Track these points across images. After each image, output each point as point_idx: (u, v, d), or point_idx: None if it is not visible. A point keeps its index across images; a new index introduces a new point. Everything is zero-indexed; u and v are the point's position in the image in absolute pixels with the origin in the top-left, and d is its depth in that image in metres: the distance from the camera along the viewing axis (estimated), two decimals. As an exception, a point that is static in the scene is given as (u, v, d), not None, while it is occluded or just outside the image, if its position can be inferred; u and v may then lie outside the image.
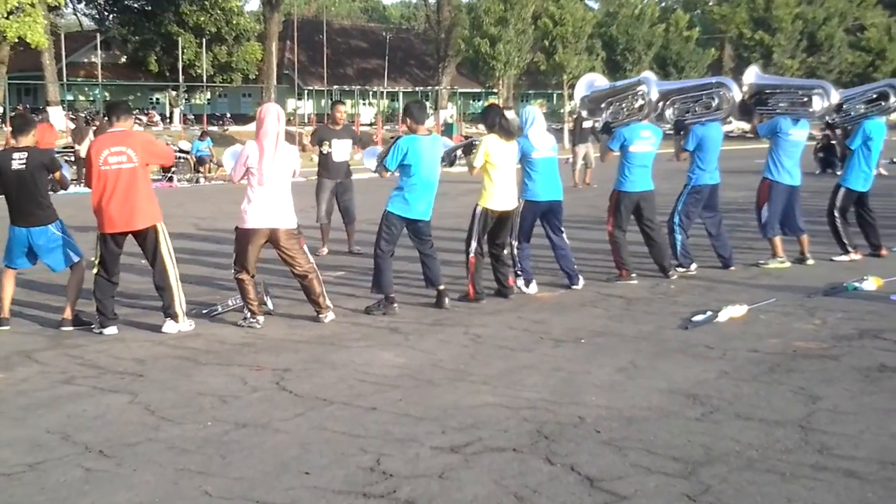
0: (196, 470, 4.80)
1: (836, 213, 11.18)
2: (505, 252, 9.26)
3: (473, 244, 8.98)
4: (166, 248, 8.04)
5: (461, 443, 5.16)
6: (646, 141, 9.87)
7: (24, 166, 8.00)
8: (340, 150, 12.02)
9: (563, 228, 9.59)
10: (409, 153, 8.53)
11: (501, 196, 8.97)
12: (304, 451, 5.07)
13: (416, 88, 65.91)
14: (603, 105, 10.50)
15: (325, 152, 12.04)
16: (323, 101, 60.66)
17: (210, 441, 5.23)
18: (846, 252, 11.15)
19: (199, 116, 48.99)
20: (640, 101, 9.99)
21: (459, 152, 10.20)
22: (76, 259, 8.26)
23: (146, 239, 7.99)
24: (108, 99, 54.87)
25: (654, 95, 9.90)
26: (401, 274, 9.91)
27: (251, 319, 8.12)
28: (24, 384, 6.41)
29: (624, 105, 10.20)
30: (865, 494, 4.43)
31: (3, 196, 8.20)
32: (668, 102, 10.58)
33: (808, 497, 4.41)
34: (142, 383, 6.41)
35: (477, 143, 9.39)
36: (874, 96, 11.28)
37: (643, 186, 9.92)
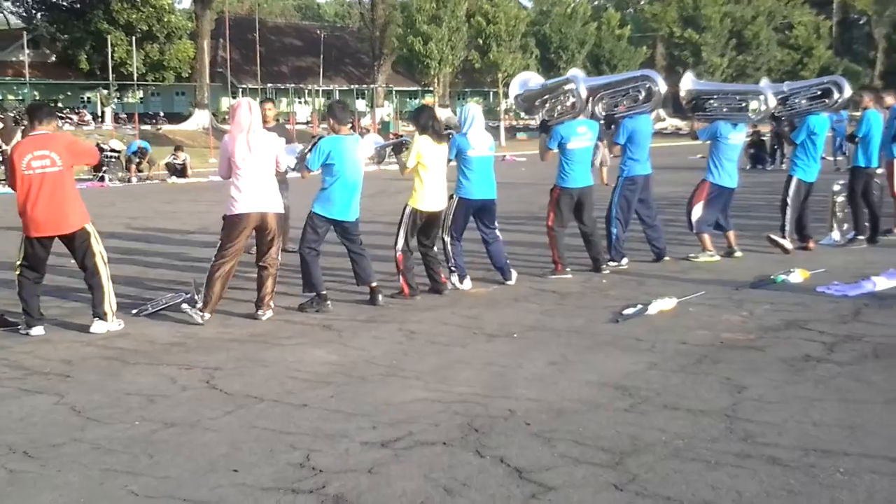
0: (122, 470, 4.74)
1: (789, 202, 11.42)
2: (434, 249, 9.28)
3: (401, 242, 9.02)
4: (98, 247, 7.96)
5: (392, 438, 5.16)
6: (582, 137, 9.97)
7: None
8: None
9: (496, 225, 9.63)
10: (331, 153, 8.54)
11: (431, 197, 9.00)
12: (233, 449, 5.03)
13: (352, 86, 65.79)
14: (537, 103, 10.57)
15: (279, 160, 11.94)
16: (258, 99, 60.16)
17: (137, 441, 5.17)
18: (783, 237, 11.35)
19: (131, 115, 48.32)
20: (572, 99, 10.07)
21: (389, 150, 10.20)
22: None
23: (75, 240, 7.90)
24: (36, 98, 53.98)
25: (584, 92, 9.99)
26: (336, 272, 9.90)
27: (198, 311, 8.03)
28: (-54, 387, 6.28)
29: (557, 103, 10.28)
30: (788, 481, 4.51)
31: None
32: (596, 98, 10.69)
33: (731, 484, 4.48)
34: (69, 384, 6.31)
35: (408, 142, 9.40)
36: (818, 93, 11.51)
37: (583, 182, 10.03)
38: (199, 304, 8.07)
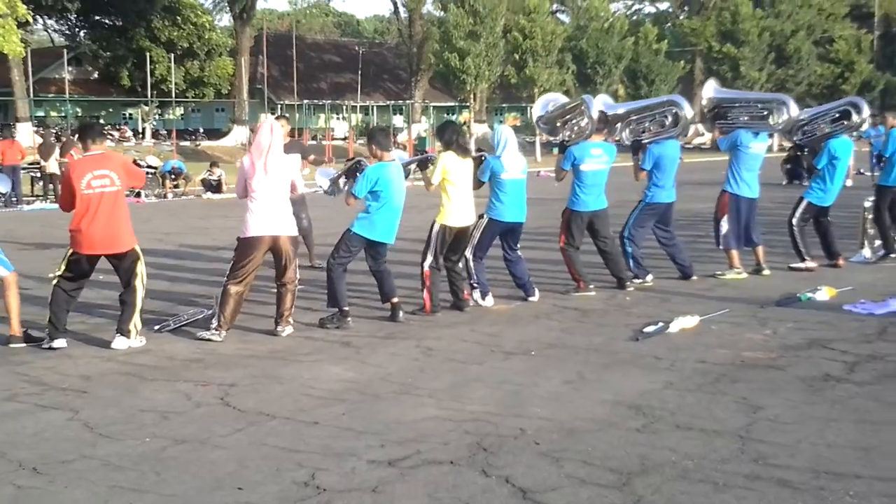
0: (129, 487, 4.77)
1: (795, 224, 11.27)
2: (460, 265, 9.27)
3: (429, 259, 9.02)
4: (141, 269, 8.12)
5: (399, 456, 5.15)
6: (597, 159, 9.92)
7: None
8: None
9: (518, 247, 9.64)
10: (379, 181, 8.57)
11: (459, 212, 9.02)
12: (240, 466, 5.04)
13: (389, 102, 66.00)
14: (559, 124, 10.55)
15: (317, 183, 12.02)
16: (297, 116, 60.64)
17: (146, 457, 5.19)
18: (803, 259, 11.22)
19: (172, 132, 48.84)
20: (586, 120, 10.04)
21: (414, 166, 10.21)
22: (5, 273, 8.13)
23: (124, 260, 8.04)
24: (79, 115, 54.74)
25: (595, 114, 9.94)
26: (359, 287, 9.90)
27: (215, 331, 8.08)
28: (-35, 402, 6.35)
29: (574, 124, 10.25)
30: (796, 503, 4.44)
31: None
32: (623, 123, 10.66)
33: (738, 506, 4.42)
34: (84, 400, 6.36)
35: (433, 158, 9.42)
36: (836, 115, 11.39)
37: (595, 205, 9.98)
38: (215, 324, 8.10)
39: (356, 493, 4.63)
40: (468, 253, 9.40)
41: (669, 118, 10.47)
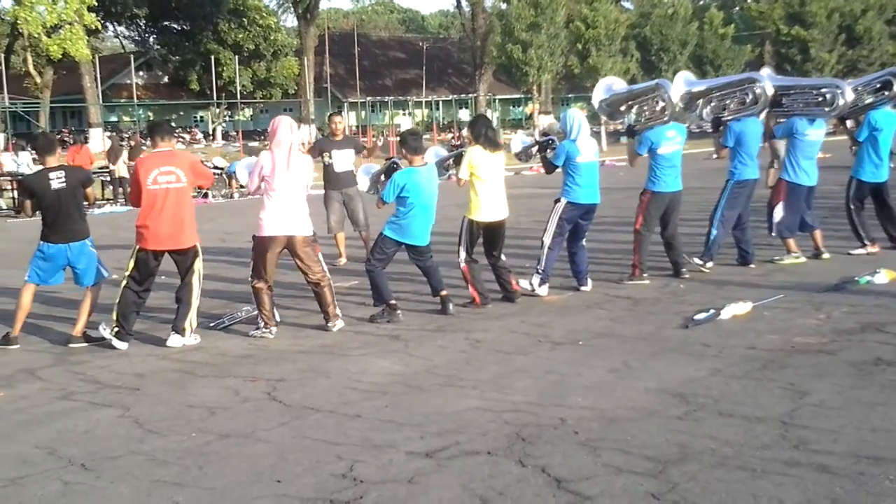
0: (171, 481, 4.87)
1: (851, 205, 11.06)
2: (503, 259, 9.26)
3: (462, 254, 9.07)
4: (199, 267, 8.31)
5: (437, 447, 5.18)
6: (672, 141, 9.89)
7: (64, 185, 8.21)
8: (341, 160, 12.10)
9: (584, 236, 9.66)
10: (406, 187, 8.62)
11: (488, 207, 9.02)
12: (280, 459, 5.12)
13: (454, 96, 66.07)
14: (622, 108, 10.50)
15: (326, 163, 12.14)
16: (363, 113, 61.05)
17: (190, 452, 5.30)
18: (863, 245, 11.00)
19: (242, 133, 49.55)
20: (662, 104, 9.97)
21: (451, 162, 10.22)
22: (106, 275, 8.44)
23: (185, 257, 8.23)
24: (150, 119, 55.73)
25: (675, 98, 9.87)
26: (412, 281, 9.95)
27: (264, 329, 8.22)
28: (22, 401, 6.54)
29: (646, 107, 10.20)
30: (833, 489, 4.38)
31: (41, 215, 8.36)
32: (704, 101, 10.56)
33: (774, 493, 4.37)
34: (136, 397, 6.51)
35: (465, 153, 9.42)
36: (878, 86, 11.14)
37: (674, 187, 9.96)
38: (261, 324, 8.22)
39: (391, 485, 4.68)
40: (546, 238, 9.38)
41: (750, 95, 10.34)
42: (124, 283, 8.19)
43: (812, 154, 10.63)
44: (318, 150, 12.35)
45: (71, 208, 8.24)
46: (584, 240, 9.69)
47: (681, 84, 10.27)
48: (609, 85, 10.82)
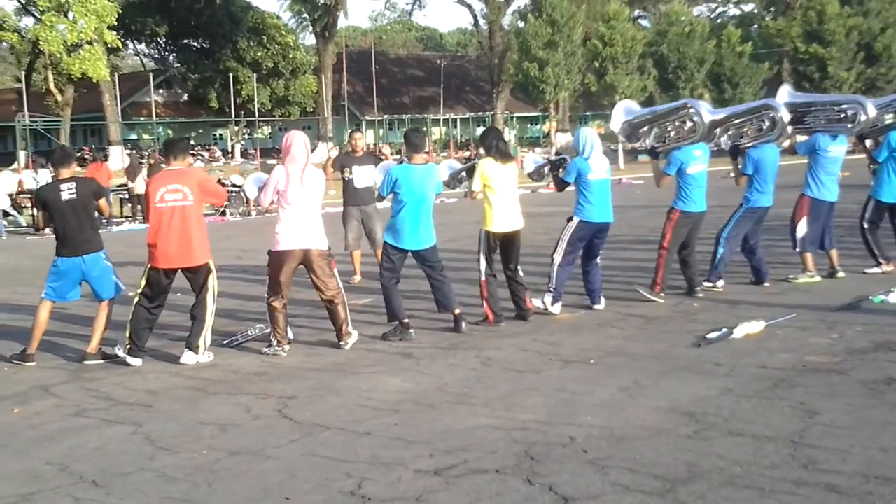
0: (181, 498, 4.91)
1: (866, 225, 11.04)
2: (521, 274, 9.28)
3: (483, 266, 9.07)
4: (213, 284, 8.33)
5: (446, 465, 5.20)
6: (699, 160, 9.96)
7: (75, 196, 8.29)
8: (362, 176, 12.13)
9: (599, 254, 9.66)
10: (398, 182, 8.66)
11: (502, 218, 9.04)
12: (289, 476, 5.14)
13: (471, 114, 66.21)
14: (644, 129, 10.51)
15: (346, 179, 12.21)
16: (381, 131, 61.24)
17: (201, 469, 5.33)
18: (878, 263, 10.97)
19: (260, 150, 49.79)
20: (690, 123, 9.99)
21: (464, 174, 10.24)
22: (123, 289, 8.52)
23: (197, 274, 8.26)
24: (170, 136, 56.12)
25: (707, 117, 9.89)
26: (426, 296, 9.96)
27: (277, 347, 8.25)
28: (36, 418, 6.59)
29: (670, 128, 10.22)
30: (841, 509, 4.38)
31: (53, 229, 8.45)
32: (722, 129, 10.58)
33: (781, 512, 4.37)
34: (148, 414, 6.55)
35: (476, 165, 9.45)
36: None
37: (702, 206, 10.04)
38: (274, 342, 8.25)
39: (399, 503, 4.70)
40: (556, 256, 9.41)
41: (767, 122, 10.35)
42: (136, 300, 8.24)
43: (834, 170, 10.62)
44: (339, 165, 12.42)
45: (83, 220, 8.32)
46: (598, 258, 9.71)
47: (708, 111, 10.28)
48: (629, 107, 10.86)
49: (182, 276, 8.36)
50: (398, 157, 10.86)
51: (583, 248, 9.57)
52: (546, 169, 10.48)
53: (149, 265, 8.22)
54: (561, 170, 9.80)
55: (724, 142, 10.59)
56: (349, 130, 11.50)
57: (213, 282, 8.33)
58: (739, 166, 10.47)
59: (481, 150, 9.57)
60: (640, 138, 10.79)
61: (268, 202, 8.48)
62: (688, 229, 10.00)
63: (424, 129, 63.57)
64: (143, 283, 8.25)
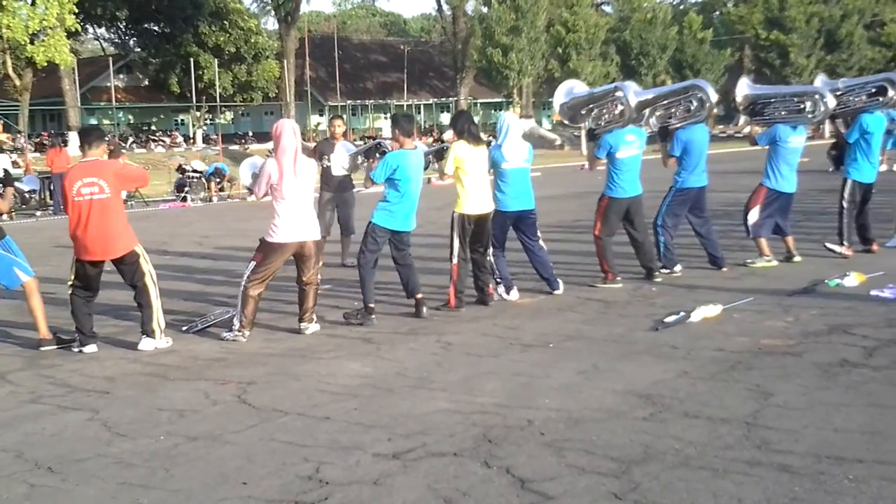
0: (137, 483, 4.88)
1: (845, 205, 11.16)
2: (488, 257, 9.29)
3: (456, 248, 9.06)
4: (147, 267, 8.15)
5: (404, 449, 5.21)
6: (631, 145, 9.89)
7: None
8: (335, 162, 12.08)
9: (538, 236, 9.61)
10: (398, 169, 8.65)
11: (475, 200, 9.04)
12: (247, 461, 5.13)
13: (435, 100, 66.13)
14: (583, 112, 10.53)
15: (324, 165, 12.16)
16: (344, 117, 60.98)
17: (158, 455, 5.31)
18: (841, 243, 11.10)
19: (222, 136, 49.46)
20: (620, 107, 10.01)
21: (431, 157, 10.22)
22: (26, 278, 8.32)
23: (124, 263, 8.11)
24: (130, 122, 55.61)
25: (633, 100, 9.90)
26: (387, 285, 9.97)
27: (237, 332, 8.20)
28: (-9, 405, 6.53)
29: (605, 111, 10.23)
30: (793, 488, 4.43)
31: None
32: (650, 110, 10.62)
33: (735, 492, 4.42)
34: (106, 400, 6.51)
35: (447, 148, 9.44)
36: (873, 90, 11.24)
37: (632, 192, 9.96)
38: (237, 325, 8.22)
39: (356, 486, 4.71)
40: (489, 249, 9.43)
41: (695, 102, 10.41)
42: (70, 291, 8.14)
43: (793, 161, 10.70)
44: (318, 152, 12.38)
45: None
46: (539, 242, 9.65)
47: (636, 92, 10.29)
48: (570, 88, 10.84)
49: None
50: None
51: (505, 234, 9.55)
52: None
53: (75, 257, 8.13)
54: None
55: (652, 123, 10.63)
56: (330, 117, 11.48)
57: (146, 266, 8.12)
58: (668, 148, 10.52)
59: (449, 134, 9.56)
60: (582, 121, 10.80)
61: (261, 195, 8.45)
62: (620, 216, 9.99)
63: (386, 117, 63.55)
64: (73, 275, 8.15)
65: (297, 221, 8.20)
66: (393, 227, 8.78)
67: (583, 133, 45.31)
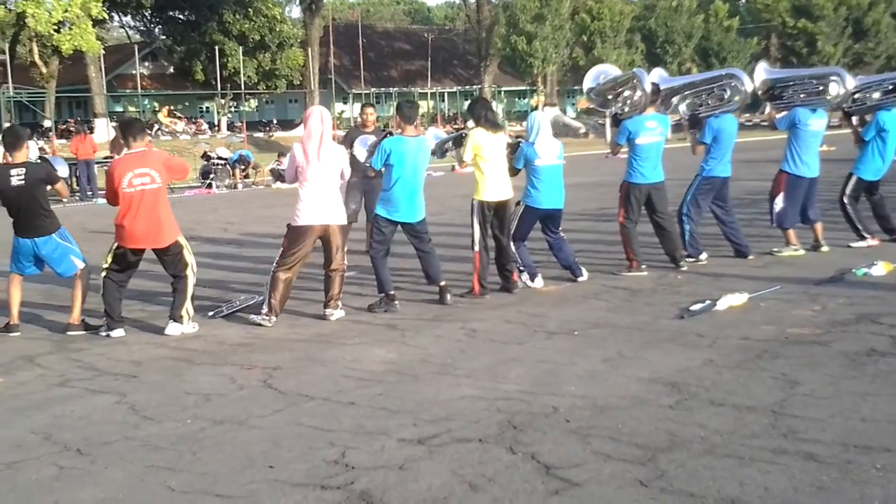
0: (164, 466, 4.92)
1: (846, 201, 11.08)
2: (511, 245, 9.27)
3: (477, 236, 9.06)
4: (189, 259, 8.30)
5: (429, 434, 5.22)
6: (652, 132, 9.85)
7: (23, 182, 8.22)
8: (359, 150, 12.09)
9: (560, 230, 9.63)
10: (392, 154, 8.64)
11: (494, 186, 9.04)
12: (273, 445, 5.16)
13: (459, 88, 66.03)
14: (610, 97, 10.51)
15: (352, 153, 12.15)
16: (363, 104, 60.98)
17: (185, 438, 5.35)
18: (862, 238, 11.02)
19: (247, 123, 49.61)
20: (639, 93, 9.98)
21: (450, 144, 10.20)
22: (81, 266, 8.46)
23: (168, 253, 8.23)
24: (155, 109, 55.79)
25: (648, 87, 9.87)
26: (409, 272, 9.99)
27: (265, 316, 8.24)
28: (20, 388, 6.59)
29: (628, 97, 10.20)
30: (820, 477, 4.42)
31: (6, 209, 8.42)
32: (680, 97, 10.57)
33: (761, 480, 4.40)
34: (133, 384, 6.56)
35: (466, 135, 9.43)
36: (890, 87, 11.13)
37: (653, 178, 9.90)
38: (265, 309, 8.26)
39: (382, 471, 4.72)
40: (510, 238, 9.41)
41: (728, 91, 10.35)
42: (104, 275, 8.21)
43: (814, 145, 10.61)
44: (348, 139, 12.37)
45: (32, 205, 8.29)
46: (560, 234, 9.65)
47: (653, 79, 10.24)
48: (598, 74, 10.82)
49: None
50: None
51: (530, 231, 9.56)
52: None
53: (116, 243, 8.19)
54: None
55: (682, 111, 10.58)
56: (361, 104, 11.54)
57: (188, 258, 8.28)
58: (697, 136, 10.46)
59: (470, 122, 9.55)
60: (610, 106, 10.78)
61: (291, 180, 8.56)
62: (641, 201, 9.94)
63: (415, 100, 63.68)
64: (110, 259, 8.22)
65: (320, 205, 8.25)
66: (394, 218, 8.79)
67: (607, 120, 45.28)
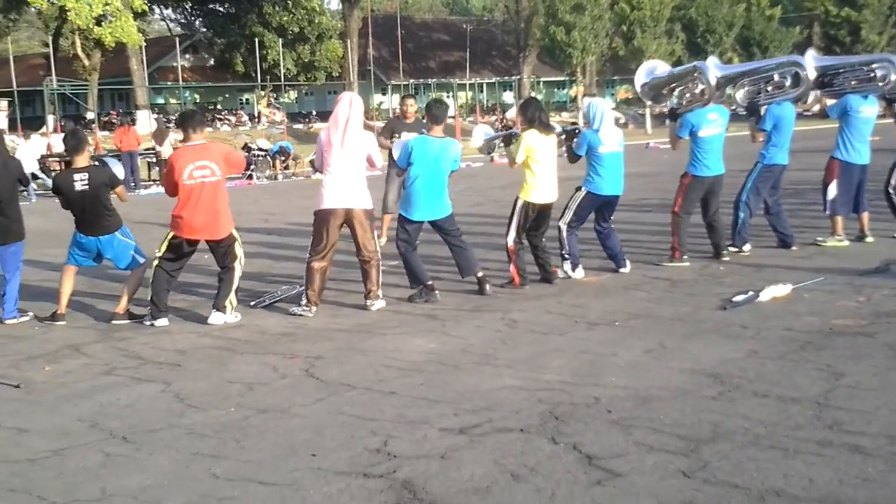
0: (209, 453, 4.97)
1: (892, 191, 10.95)
2: (543, 240, 9.27)
3: (512, 234, 9.05)
4: (239, 252, 8.41)
5: (471, 424, 5.23)
6: (713, 124, 9.79)
7: (86, 187, 8.36)
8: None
9: (611, 219, 9.61)
10: (413, 152, 8.68)
11: (543, 189, 9.02)
12: (316, 434, 5.20)
13: (498, 79, 65.89)
14: (664, 92, 10.47)
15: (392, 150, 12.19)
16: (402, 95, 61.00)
17: (229, 426, 5.40)
18: None
19: (287, 115, 49.81)
20: (701, 86, 9.91)
21: (499, 142, 10.21)
22: (142, 261, 8.60)
23: (221, 245, 8.34)
24: (196, 101, 56.23)
25: (713, 80, 9.79)
26: (447, 260, 9.98)
27: (305, 307, 8.29)
28: (67, 376, 6.68)
29: (686, 91, 10.15)
30: (866, 469, 4.38)
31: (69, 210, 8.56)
32: (737, 85, 10.47)
33: (805, 472, 4.37)
34: (177, 373, 6.63)
35: (517, 134, 9.42)
36: None
37: (716, 170, 9.87)
38: (304, 301, 8.30)
39: (424, 460, 4.74)
40: (562, 224, 9.40)
41: (790, 79, 10.24)
42: (156, 263, 8.31)
43: (865, 132, 10.50)
44: (388, 130, 12.43)
45: (97, 207, 8.42)
46: (610, 225, 9.65)
47: (715, 72, 10.16)
48: (651, 69, 10.77)
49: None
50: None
51: (588, 216, 9.56)
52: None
53: (172, 233, 8.28)
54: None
55: (739, 98, 10.49)
56: (402, 96, 11.60)
57: (239, 251, 8.39)
58: (757, 123, 10.37)
59: (512, 112, 9.55)
60: (663, 100, 10.74)
61: (319, 166, 8.64)
62: (700, 194, 9.90)
63: (449, 96, 63.58)
64: (164, 248, 8.31)
65: (341, 189, 8.29)
66: (411, 217, 8.81)
67: (647, 112, 45.00)
